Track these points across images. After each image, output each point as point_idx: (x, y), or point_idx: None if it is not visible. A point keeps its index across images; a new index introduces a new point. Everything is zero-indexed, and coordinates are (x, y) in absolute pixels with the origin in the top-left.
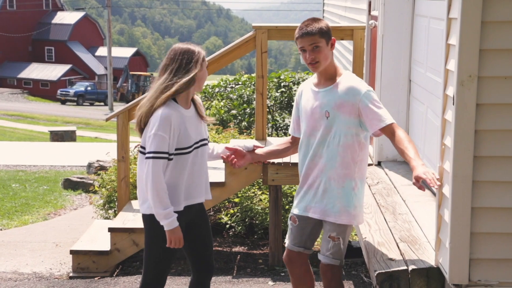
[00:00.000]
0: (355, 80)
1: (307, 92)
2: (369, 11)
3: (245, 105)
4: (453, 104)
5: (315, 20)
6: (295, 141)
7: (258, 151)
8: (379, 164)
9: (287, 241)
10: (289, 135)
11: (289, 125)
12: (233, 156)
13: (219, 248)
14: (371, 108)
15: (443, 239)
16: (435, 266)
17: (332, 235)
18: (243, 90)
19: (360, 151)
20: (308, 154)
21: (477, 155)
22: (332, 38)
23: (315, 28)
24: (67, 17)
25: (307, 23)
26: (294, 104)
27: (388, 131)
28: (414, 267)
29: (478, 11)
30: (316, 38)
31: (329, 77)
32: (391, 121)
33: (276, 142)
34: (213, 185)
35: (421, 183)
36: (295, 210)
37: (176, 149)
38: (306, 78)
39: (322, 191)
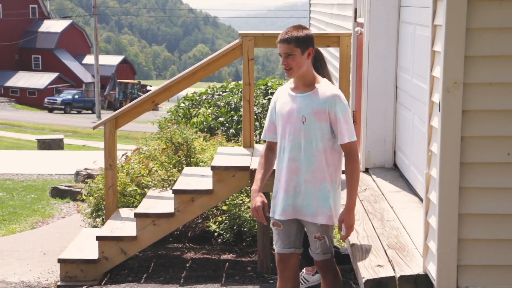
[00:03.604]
0: (333, 90)
1: (283, 97)
2: (355, 18)
3: (232, 112)
4: (439, 111)
5: (297, 28)
6: (273, 147)
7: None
8: (366, 170)
9: (275, 246)
10: (263, 141)
11: None
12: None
13: (208, 256)
14: (341, 121)
15: (430, 246)
16: (423, 273)
17: (317, 236)
18: (230, 98)
19: (334, 155)
20: (284, 157)
21: (463, 162)
22: (310, 48)
23: (292, 37)
24: (54, 26)
25: (287, 30)
26: (269, 109)
27: (349, 147)
28: (402, 274)
29: (463, 18)
30: (291, 47)
31: (307, 83)
32: (354, 139)
33: (260, 163)
34: (201, 192)
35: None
36: (276, 215)
37: None
38: None
39: (299, 193)
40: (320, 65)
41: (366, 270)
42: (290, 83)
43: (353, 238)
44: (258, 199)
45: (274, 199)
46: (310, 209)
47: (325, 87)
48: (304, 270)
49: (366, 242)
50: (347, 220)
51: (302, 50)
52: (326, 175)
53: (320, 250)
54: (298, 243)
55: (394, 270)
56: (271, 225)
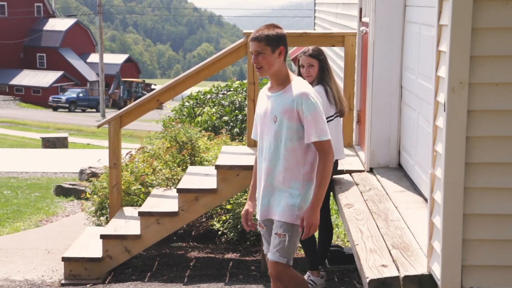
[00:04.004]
0: (302, 88)
1: (262, 97)
2: (360, 17)
3: (237, 111)
4: (444, 111)
5: (269, 27)
6: None
7: (250, 196)
8: (371, 170)
9: (264, 248)
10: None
11: None
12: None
13: (211, 255)
14: (308, 120)
15: (435, 246)
16: (428, 273)
17: (278, 232)
18: (235, 97)
19: (305, 154)
20: (260, 158)
21: (468, 162)
22: (281, 46)
23: (262, 35)
24: (59, 24)
25: (259, 29)
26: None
27: (319, 146)
28: (406, 274)
29: (469, 18)
30: (262, 45)
31: (280, 82)
32: (324, 138)
33: (253, 169)
34: (205, 191)
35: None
36: (258, 216)
37: None
38: None
39: (269, 193)
40: (327, 64)
41: (370, 270)
42: (269, 83)
43: (357, 238)
44: (245, 207)
45: (257, 200)
46: (278, 207)
47: (295, 85)
48: (308, 273)
49: (370, 242)
50: (307, 218)
51: (273, 48)
52: (297, 174)
53: (276, 250)
54: None
55: (398, 270)
56: (257, 227)
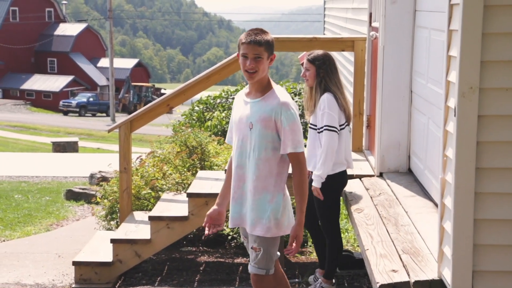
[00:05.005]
0: (282, 98)
1: (239, 102)
2: (370, 22)
3: None
4: (455, 116)
5: (264, 32)
6: None
7: (221, 202)
8: (381, 175)
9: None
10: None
11: None
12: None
13: (221, 260)
14: (286, 130)
15: (445, 251)
16: (438, 278)
17: (254, 246)
18: None
19: (278, 165)
20: (233, 164)
21: (479, 167)
22: (274, 53)
23: (263, 40)
24: (69, 29)
25: (256, 32)
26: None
27: (295, 158)
28: (416, 279)
29: (479, 22)
30: (261, 50)
31: (260, 89)
32: (299, 150)
33: (226, 175)
34: (215, 196)
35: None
36: (230, 223)
37: None
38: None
39: (243, 201)
40: (330, 71)
41: (381, 275)
42: (246, 88)
43: (367, 243)
44: (213, 208)
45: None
46: (250, 219)
47: (275, 94)
48: (319, 276)
49: (380, 246)
50: (298, 236)
51: (269, 54)
52: (268, 185)
53: (255, 263)
54: None
55: (408, 275)
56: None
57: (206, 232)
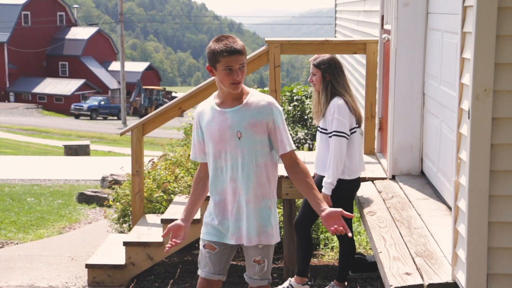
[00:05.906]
0: (266, 98)
1: (208, 113)
2: (382, 25)
3: None
4: (469, 118)
5: (233, 37)
6: (206, 169)
7: (184, 217)
8: (393, 178)
9: (201, 270)
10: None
11: (302, 138)
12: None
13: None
14: (281, 129)
15: (459, 254)
16: (452, 281)
17: (257, 259)
18: None
19: (273, 169)
20: (221, 179)
21: (493, 169)
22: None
23: (242, 46)
24: (81, 33)
25: (231, 40)
26: (193, 128)
27: (289, 157)
28: (430, 281)
29: (493, 25)
30: (243, 58)
31: (237, 96)
32: (294, 148)
33: (192, 189)
34: None
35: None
36: (211, 237)
37: None
38: None
39: (240, 215)
40: (337, 74)
41: (394, 277)
42: (212, 98)
43: (380, 246)
44: (177, 222)
45: (213, 220)
46: (253, 231)
47: (257, 97)
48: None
49: (393, 249)
50: (336, 211)
51: (246, 61)
52: (267, 191)
53: (257, 276)
54: (226, 270)
55: (422, 278)
56: (201, 247)
57: (166, 249)
